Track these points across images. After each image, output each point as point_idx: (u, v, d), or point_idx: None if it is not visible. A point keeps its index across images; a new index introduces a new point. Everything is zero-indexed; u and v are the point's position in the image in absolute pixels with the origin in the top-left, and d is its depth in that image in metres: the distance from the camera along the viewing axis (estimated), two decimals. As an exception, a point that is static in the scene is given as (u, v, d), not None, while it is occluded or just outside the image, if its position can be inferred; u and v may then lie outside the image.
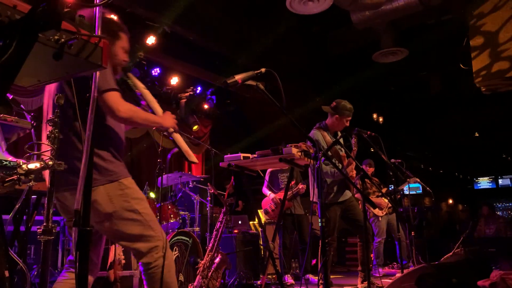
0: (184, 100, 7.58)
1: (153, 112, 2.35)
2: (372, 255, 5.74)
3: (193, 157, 2.42)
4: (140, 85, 2.43)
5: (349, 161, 4.22)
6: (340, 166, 4.24)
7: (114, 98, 2.03)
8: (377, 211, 6.39)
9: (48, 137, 2.43)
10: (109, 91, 2.01)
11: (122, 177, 2.11)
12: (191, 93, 7.95)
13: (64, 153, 1.96)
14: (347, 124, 4.39)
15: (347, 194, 4.35)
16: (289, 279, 5.40)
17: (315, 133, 4.34)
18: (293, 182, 5.63)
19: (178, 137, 2.39)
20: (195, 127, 8.12)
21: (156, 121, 2.27)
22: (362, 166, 6.55)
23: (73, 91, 1.87)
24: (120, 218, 2.05)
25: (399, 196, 6.74)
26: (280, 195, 5.67)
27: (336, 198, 4.26)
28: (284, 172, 5.81)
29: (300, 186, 5.61)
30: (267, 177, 5.88)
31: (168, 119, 2.32)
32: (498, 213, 17.84)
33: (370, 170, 6.67)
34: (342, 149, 4.29)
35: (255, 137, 9.41)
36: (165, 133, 2.39)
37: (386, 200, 6.38)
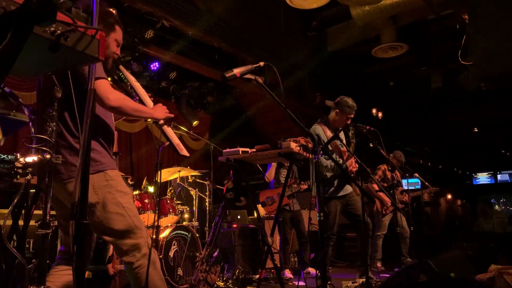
0: (185, 93, 7.56)
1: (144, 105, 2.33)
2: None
3: (184, 151, 2.37)
4: (131, 78, 2.41)
5: (348, 155, 4.21)
6: (341, 161, 4.24)
7: (103, 86, 2.00)
8: (380, 207, 6.35)
9: (45, 131, 2.43)
10: (97, 79, 1.97)
11: (108, 168, 2.07)
12: (190, 88, 7.94)
13: None
14: (349, 122, 4.35)
15: (348, 188, 4.35)
16: (288, 274, 5.41)
17: (316, 128, 4.33)
18: (292, 180, 5.64)
19: (168, 130, 2.35)
20: (195, 122, 8.12)
21: (147, 112, 2.24)
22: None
23: (70, 82, 1.84)
24: (103, 211, 2.00)
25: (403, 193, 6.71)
26: (279, 190, 5.67)
27: (336, 192, 4.26)
28: (285, 168, 5.82)
29: (302, 186, 5.62)
30: (273, 171, 5.89)
31: (159, 111, 2.30)
32: (497, 208, 17.89)
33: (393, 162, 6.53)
34: (343, 144, 4.28)
35: (254, 132, 9.41)
36: (157, 125, 2.35)
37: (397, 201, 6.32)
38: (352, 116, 4.37)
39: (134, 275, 2.04)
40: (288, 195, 5.54)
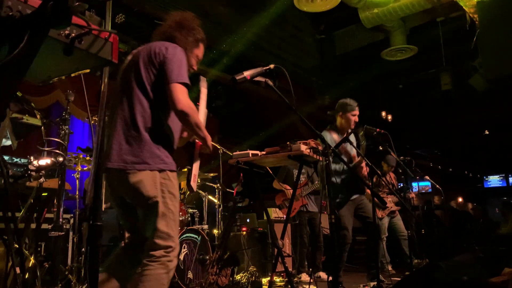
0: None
1: None
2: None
3: (195, 185, 2.41)
4: (202, 98, 2.50)
5: (360, 159, 4.20)
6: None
7: (182, 91, 2.08)
8: (377, 211, 6.32)
9: (58, 134, 2.45)
10: (180, 83, 2.08)
11: (168, 169, 2.14)
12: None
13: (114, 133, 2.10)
14: (355, 119, 4.32)
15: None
16: (305, 277, 5.42)
17: (323, 133, 4.32)
18: (305, 181, 5.63)
19: (197, 164, 2.43)
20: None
21: (205, 134, 2.26)
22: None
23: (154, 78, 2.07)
24: (154, 206, 2.05)
25: (412, 195, 6.67)
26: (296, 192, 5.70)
27: (349, 196, 4.25)
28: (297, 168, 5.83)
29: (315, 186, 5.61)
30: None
31: (209, 141, 2.32)
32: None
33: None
34: (354, 148, 4.26)
35: (264, 135, 9.41)
36: (190, 149, 2.44)
37: (392, 204, 6.30)
38: (357, 112, 4.33)
39: (153, 266, 2.00)
40: (304, 195, 5.57)
